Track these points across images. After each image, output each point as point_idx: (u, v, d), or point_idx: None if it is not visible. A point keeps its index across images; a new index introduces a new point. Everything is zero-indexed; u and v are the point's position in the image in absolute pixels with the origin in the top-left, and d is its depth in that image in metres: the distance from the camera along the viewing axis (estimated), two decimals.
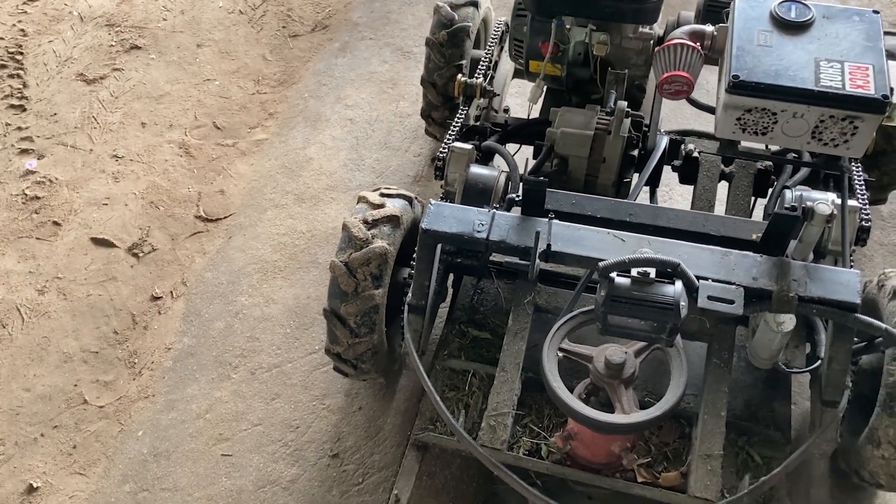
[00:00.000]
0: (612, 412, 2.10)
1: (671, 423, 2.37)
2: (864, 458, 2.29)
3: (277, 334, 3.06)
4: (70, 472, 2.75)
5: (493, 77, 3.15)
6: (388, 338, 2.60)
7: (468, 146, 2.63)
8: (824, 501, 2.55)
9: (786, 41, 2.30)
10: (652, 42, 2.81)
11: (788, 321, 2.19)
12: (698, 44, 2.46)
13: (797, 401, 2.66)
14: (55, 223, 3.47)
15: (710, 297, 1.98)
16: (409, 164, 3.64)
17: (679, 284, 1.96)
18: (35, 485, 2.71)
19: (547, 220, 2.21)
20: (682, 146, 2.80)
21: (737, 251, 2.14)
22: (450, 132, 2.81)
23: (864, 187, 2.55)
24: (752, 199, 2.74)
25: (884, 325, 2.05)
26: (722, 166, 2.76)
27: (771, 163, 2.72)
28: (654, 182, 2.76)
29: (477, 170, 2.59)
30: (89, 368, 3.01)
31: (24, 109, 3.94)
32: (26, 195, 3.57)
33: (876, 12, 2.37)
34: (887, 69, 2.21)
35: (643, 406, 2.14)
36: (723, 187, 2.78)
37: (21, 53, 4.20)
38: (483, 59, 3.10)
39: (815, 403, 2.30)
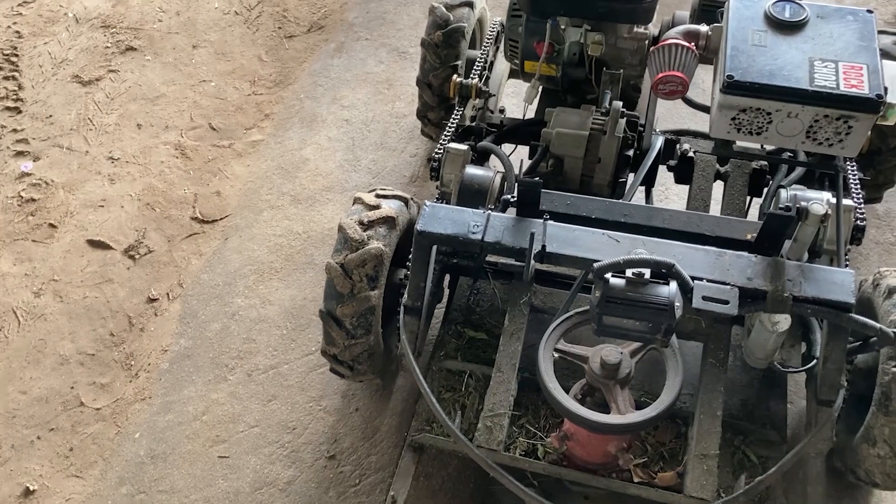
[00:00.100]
0: (608, 413, 2.10)
1: (667, 423, 2.37)
2: (860, 457, 2.30)
3: (274, 336, 3.06)
4: (67, 475, 2.75)
5: (488, 77, 3.15)
6: (384, 339, 2.61)
7: (463, 147, 2.63)
8: (820, 500, 2.55)
9: (780, 41, 2.30)
10: (647, 42, 2.81)
11: (784, 321, 2.19)
12: (693, 44, 2.46)
13: (793, 400, 2.66)
14: (51, 225, 3.47)
15: (704, 298, 1.98)
16: (405, 164, 3.64)
17: (674, 285, 1.96)
18: (31, 488, 2.71)
19: (542, 220, 2.21)
20: (678, 146, 2.80)
21: (731, 251, 2.14)
22: (445, 133, 2.81)
23: (859, 186, 2.56)
24: (748, 198, 2.74)
25: (878, 325, 2.05)
26: (717, 166, 2.77)
27: (766, 162, 2.72)
28: (649, 182, 2.77)
29: (472, 170, 2.59)
30: (86, 371, 3.01)
31: (20, 111, 3.94)
32: (22, 197, 3.57)
33: (870, 11, 2.37)
34: (881, 68, 2.21)
35: (639, 406, 2.14)
36: (718, 187, 2.78)
37: (16, 55, 4.19)
38: (478, 59, 3.10)
39: (811, 402, 2.30)
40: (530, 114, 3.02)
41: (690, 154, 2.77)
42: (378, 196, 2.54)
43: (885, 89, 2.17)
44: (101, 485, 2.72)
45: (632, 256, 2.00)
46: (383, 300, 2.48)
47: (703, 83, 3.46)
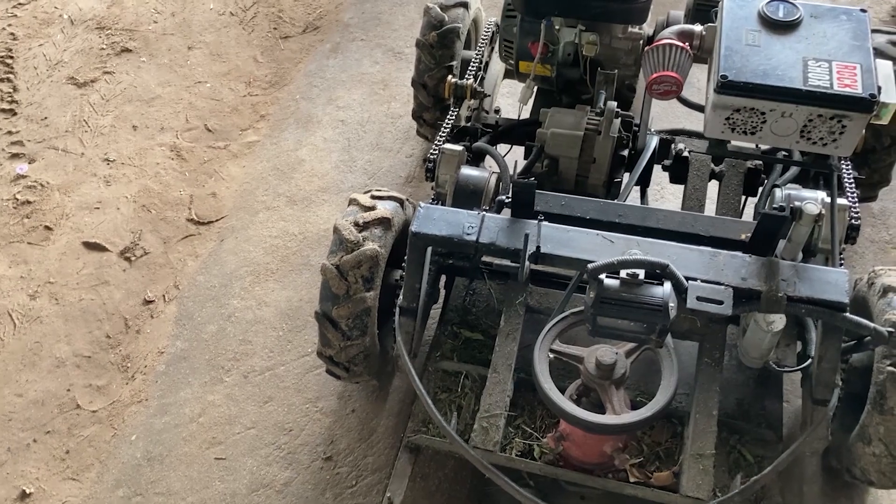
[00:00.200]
0: (604, 413, 2.10)
1: (663, 423, 2.37)
2: (856, 456, 2.30)
3: (270, 337, 3.06)
4: (63, 478, 2.75)
5: (483, 78, 3.15)
6: (380, 340, 2.61)
7: (458, 147, 2.63)
8: (816, 499, 2.55)
9: (774, 40, 2.31)
10: (641, 42, 2.81)
11: (778, 321, 2.20)
12: (687, 44, 2.46)
13: (789, 399, 2.67)
14: (46, 227, 3.46)
15: (699, 298, 1.99)
16: (400, 165, 3.64)
17: (668, 286, 1.97)
18: (28, 491, 2.71)
19: (536, 221, 2.21)
20: (672, 146, 2.80)
21: (726, 251, 2.15)
22: (440, 133, 2.81)
23: (853, 185, 2.56)
24: (743, 197, 2.75)
25: (872, 324, 2.05)
26: (712, 165, 2.77)
27: (761, 162, 2.73)
28: (644, 182, 2.77)
29: (467, 171, 2.60)
30: (82, 373, 3.01)
31: (15, 113, 3.93)
32: (17, 200, 3.57)
33: (863, 11, 2.37)
34: (875, 68, 2.21)
35: (635, 406, 2.15)
36: (713, 186, 2.78)
37: (11, 57, 4.19)
38: (473, 60, 3.10)
39: (806, 401, 2.31)
40: (525, 114, 3.01)
41: (685, 154, 2.77)
42: (373, 197, 2.54)
43: (879, 88, 2.18)
44: (97, 487, 2.72)
45: (626, 257, 2.00)
46: (379, 301, 2.48)
47: (699, 82, 3.46)
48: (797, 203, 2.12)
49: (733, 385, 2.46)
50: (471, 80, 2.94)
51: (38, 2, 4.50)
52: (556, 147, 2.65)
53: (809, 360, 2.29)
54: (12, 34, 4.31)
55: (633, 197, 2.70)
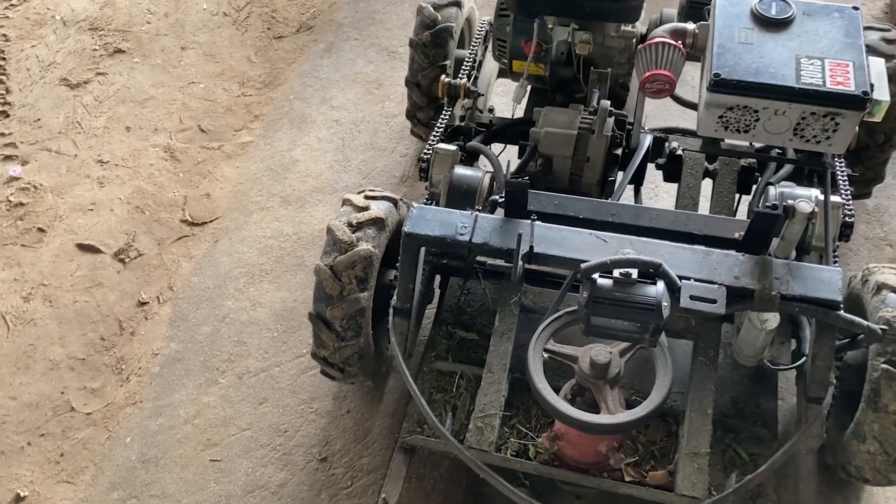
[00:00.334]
0: (598, 412, 2.10)
1: (658, 422, 2.37)
2: (851, 454, 2.30)
3: (265, 338, 3.05)
4: (58, 481, 2.74)
5: (477, 77, 3.14)
6: (375, 340, 2.60)
7: (452, 147, 2.63)
8: (811, 497, 2.56)
9: (766, 38, 2.30)
10: (634, 40, 2.81)
11: (772, 319, 2.20)
12: (680, 42, 2.46)
13: (784, 397, 2.67)
14: (40, 229, 3.45)
15: (692, 297, 1.99)
16: (395, 164, 3.63)
17: (661, 285, 1.96)
18: (22, 494, 2.70)
19: (529, 221, 2.21)
20: (666, 144, 2.80)
21: (719, 250, 2.14)
22: (434, 133, 2.81)
23: (847, 182, 2.56)
24: (737, 196, 2.75)
25: (866, 322, 2.05)
26: (706, 164, 2.77)
27: (754, 160, 2.73)
28: (638, 180, 2.77)
29: (461, 171, 2.59)
30: (76, 375, 3.00)
31: (7, 115, 3.92)
32: (10, 202, 3.55)
33: (856, 8, 2.37)
34: (867, 65, 2.21)
35: (630, 405, 2.15)
36: (707, 185, 2.78)
37: (3, 59, 4.17)
38: (467, 59, 3.10)
39: (801, 399, 2.31)
40: (519, 113, 3.01)
41: (679, 152, 2.77)
42: (367, 197, 2.53)
43: (872, 86, 2.18)
44: (92, 490, 2.71)
45: (619, 256, 2.00)
46: (373, 301, 2.48)
47: (693, 80, 3.46)
48: (790, 201, 2.12)
49: (728, 383, 2.46)
50: (464, 80, 2.94)
51: (31, 3, 4.48)
52: (550, 146, 2.64)
53: (804, 358, 2.29)
54: (4, 35, 4.29)
55: (627, 196, 2.70)
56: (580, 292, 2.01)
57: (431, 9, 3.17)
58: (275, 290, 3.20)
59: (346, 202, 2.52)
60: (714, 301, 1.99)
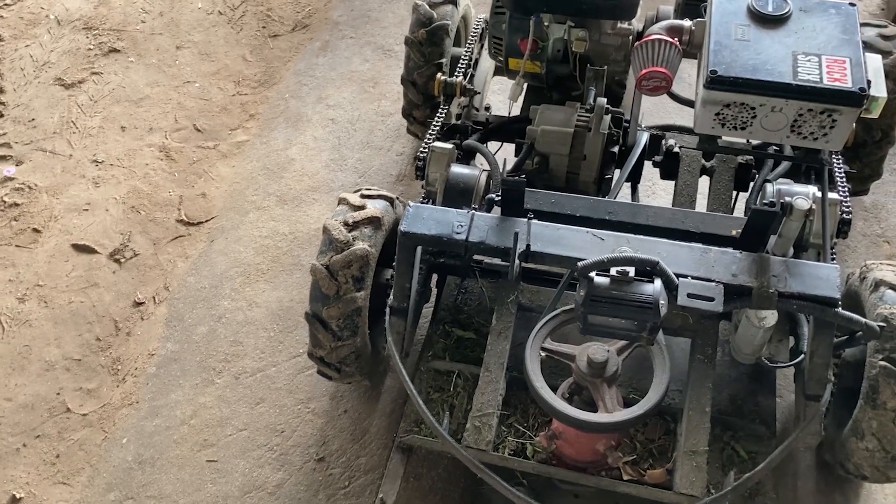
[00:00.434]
0: (596, 411, 2.10)
1: (656, 420, 2.36)
2: (849, 451, 2.30)
3: (261, 338, 3.04)
4: (54, 482, 2.73)
5: (473, 75, 3.14)
6: (371, 340, 2.59)
7: (448, 146, 2.62)
8: (810, 495, 2.55)
9: (763, 35, 2.29)
10: (631, 37, 2.80)
11: (770, 316, 2.19)
12: (676, 39, 2.45)
13: (782, 394, 2.66)
14: (35, 230, 3.44)
15: (689, 295, 1.98)
16: (391, 163, 3.62)
17: (658, 283, 1.96)
18: (18, 496, 2.69)
19: (526, 220, 2.20)
20: (663, 141, 2.79)
21: (716, 248, 2.14)
22: (430, 131, 2.80)
23: (844, 179, 2.56)
24: (734, 193, 2.74)
25: (863, 320, 2.05)
26: (703, 161, 2.76)
27: (752, 157, 2.72)
28: (635, 178, 2.76)
29: (458, 169, 2.58)
30: (72, 376, 2.99)
31: (1, 115, 3.90)
32: (5, 202, 3.54)
33: (852, 4, 2.36)
34: (864, 62, 2.20)
35: (627, 404, 2.14)
36: (704, 182, 2.77)
37: None
38: (463, 57, 3.09)
39: (799, 397, 2.30)
40: (515, 111, 3.00)
41: (676, 149, 2.77)
42: (363, 196, 2.53)
43: (869, 82, 2.17)
44: (88, 491, 2.70)
45: (616, 255, 1.99)
46: (370, 301, 2.47)
47: (689, 77, 3.45)
48: (788, 198, 2.11)
49: (726, 381, 2.45)
50: (460, 78, 2.93)
51: (24, 2, 4.46)
52: (547, 144, 2.64)
53: (802, 356, 2.29)
54: None
55: (624, 193, 2.69)
56: (577, 291, 2.00)
57: (427, 6, 3.16)
58: (271, 290, 3.19)
59: (342, 201, 2.51)
60: (712, 299, 1.98)
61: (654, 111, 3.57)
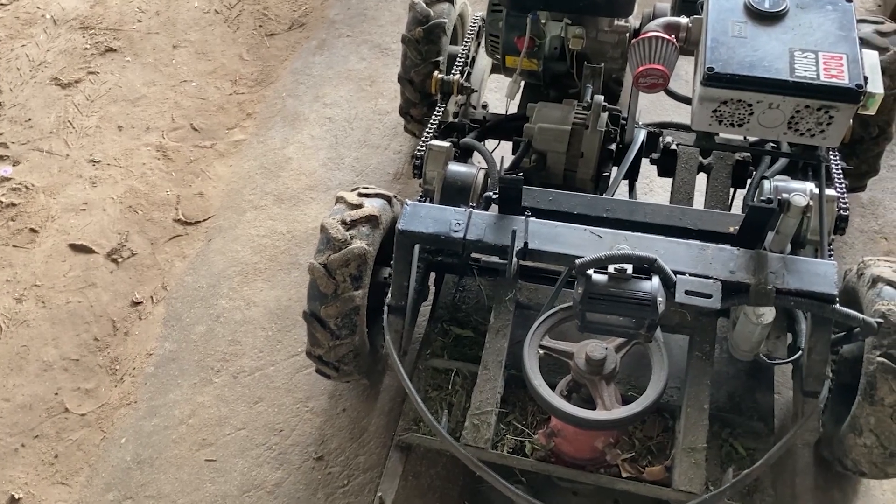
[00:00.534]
0: (594, 408, 2.10)
1: (654, 417, 2.37)
2: (847, 447, 2.30)
3: (259, 337, 3.04)
4: (52, 482, 2.73)
5: (470, 73, 3.13)
6: (370, 338, 2.59)
7: (446, 144, 2.62)
8: (808, 491, 2.56)
9: (760, 32, 2.29)
10: (628, 35, 2.80)
11: (768, 313, 2.19)
12: (673, 36, 2.44)
13: (780, 391, 2.67)
14: (32, 230, 3.43)
15: (687, 292, 1.98)
16: (388, 161, 3.62)
17: (656, 280, 1.96)
18: (17, 496, 2.69)
19: (524, 217, 2.20)
20: (660, 139, 2.79)
21: (714, 245, 2.14)
22: (427, 129, 2.80)
23: (842, 176, 2.56)
24: (731, 190, 2.74)
25: (861, 316, 2.05)
26: (700, 158, 2.76)
27: (749, 154, 2.72)
28: (632, 176, 2.76)
29: (455, 167, 2.58)
30: (70, 376, 2.98)
31: None
32: (2, 202, 3.53)
33: (849, 0, 2.36)
34: (861, 58, 2.20)
35: (625, 401, 2.14)
36: (701, 179, 2.77)
37: None
38: (460, 55, 3.09)
39: (797, 394, 2.30)
40: (513, 109, 3.00)
41: (673, 147, 2.77)
42: (360, 195, 2.52)
43: (865, 79, 2.17)
44: (87, 491, 2.70)
45: (614, 252, 1.99)
46: (368, 299, 2.47)
47: (686, 74, 3.45)
48: (785, 195, 2.11)
49: (724, 378, 2.46)
50: (457, 76, 2.93)
51: (20, 2, 4.45)
52: (544, 142, 2.63)
53: (800, 352, 2.29)
54: None
55: (622, 191, 2.69)
56: (575, 288, 2.00)
57: (424, 5, 3.16)
58: (269, 289, 3.19)
59: (339, 200, 2.51)
60: (709, 296, 1.98)
61: (652, 108, 3.57)
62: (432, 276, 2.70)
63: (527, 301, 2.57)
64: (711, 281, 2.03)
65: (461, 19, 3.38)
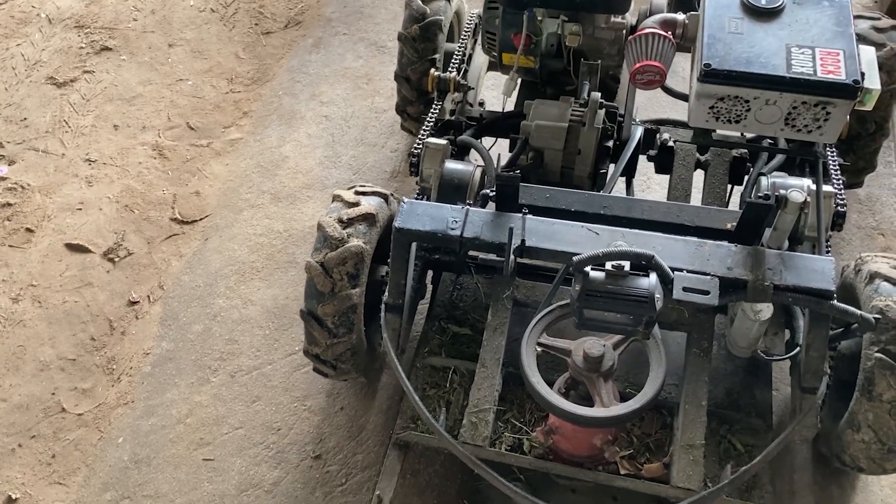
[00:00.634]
0: (592, 406, 2.09)
1: (653, 414, 2.37)
2: (845, 443, 2.30)
3: (256, 336, 3.04)
4: (49, 482, 2.72)
5: (466, 71, 3.13)
6: (367, 337, 2.59)
7: (442, 141, 2.61)
8: (807, 487, 2.56)
9: (757, 28, 2.29)
10: (624, 31, 2.79)
11: (766, 309, 2.19)
12: (670, 33, 2.44)
13: (778, 387, 2.66)
14: (28, 230, 3.42)
15: (685, 289, 1.97)
16: (385, 160, 3.61)
17: (654, 277, 1.95)
18: (14, 496, 2.68)
19: (521, 215, 2.20)
20: (657, 136, 2.79)
21: (711, 241, 2.13)
22: (424, 127, 2.79)
23: (839, 172, 2.56)
24: (729, 186, 2.74)
25: (859, 312, 2.05)
26: (697, 155, 2.76)
27: (746, 150, 2.72)
28: (629, 173, 2.75)
29: (452, 165, 2.58)
30: (67, 376, 2.98)
31: None
32: None
33: None
34: (858, 54, 2.20)
35: (623, 398, 2.14)
36: (699, 176, 2.77)
37: None
38: (456, 52, 3.08)
39: (795, 390, 2.30)
40: (509, 106, 3.00)
41: (670, 143, 2.76)
42: (357, 193, 2.52)
43: (863, 74, 2.17)
44: (84, 491, 2.69)
45: (611, 249, 1.98)
46: (366, 297, 2.46)
47: (683, 71, 3.45)
48: (782, 191, 2.11)
49: (722, 375, 2.46)
50: (454, 73, 2.92)
51: (15, 1, 4.44)
52: (541, 139, 2.63)
53: (797, 349, 2.28)
54: None
55: (619, 188, 2.69)
56: (573, 285, 2.00)
57: (420, 2, 3.15)
58: (266, 288, 3.18)
59: (336, 198, 2.51)
60: (707, 292, 1.98)
61: (649, 105, 3.57)
62: (430, 274, 2.69)
63: (524, 299, 2.56)
64: (709, 277, 2.02)
65: (457, 16, 3.38)
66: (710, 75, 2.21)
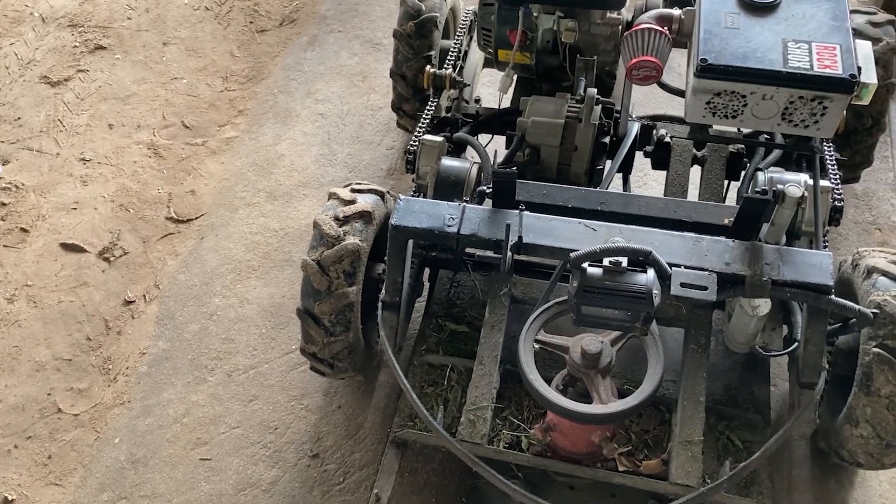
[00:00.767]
0: (590, 402, 2.09)
1: (651, 411, 2.36)
2: (843, 438, 2.30)
3: (253, 335, 3.02)
4: (46, 483, 2.71)
5: (462, 67, 3.12)
6: (364, 335, 2.58)
7: (439, 138, 2.61)
8: (805, 482, 2.56)
9: (753, 23, 2.28)
10: (620, 27, 2.79)
11: (763, 305, 2.18)
12: (666, 28, 2.44)
13: (776, 383, 2.66)
14: (23, 230, 3.41)
15: (682, 285, 1.97)
16: (381, 157, 3.60)
17: (651, 273, 1.94)
18: (10, 498, 2.67)
19: (518, 211, 2.19)
20: (654, 131, 2.78)
21: (709, 237, 2.13)
22: (420, 125, 2.79)
23: (836, 167, 2.56)
24: (726, 182, 2.73)
25: (857, 307, 2.04)
26: (694, 150, 2.75)
27: (743, 145, 2.71)
28: (626, 169, 2.75)
29: (448, 162, 2.57)
30: (62, 376, 2.96)
31: None
32: None
33: None
34: (854, 48, 2.20)
35: (622, 394, 2.13)
36: (696, 171, 2.77)
37: None
38: (452, 49, 3.07)
39: (794, 385, 2.30)
40: (506, 103, 2.99)
41: (667, 139, 2.76)
42: (353, 191, 2.51)
43: (859, 69, 2.16)
44: (81, 492, 2.68)
45: (608, 245, 1.98)
46: (362, 295, 2.45)
47: (679, 66, 3.44)
48: (780, 186, 2.10)
49: (720, 370, 2.45)
50: (450, 70, 2.92)
51: (8, 0, 4.42)
52: (537, 136, 2.63)
53: (796, 344, 2.28)
54: None
55: (616, 184, 2.68)
56: (570, 282, 1.99)
57: None
58: (262, 287, 3.17)
59: (332, 196, 2.50)
60: (705, 288, 1.98)
61: (645, 101, 3.57)
62: (427, 271, 2.68)
63: (522, 296, 2.55)
64: (707, 273, 2.02)
65: (453, 13, 3.37)
66: (706, 70, 2.20)
